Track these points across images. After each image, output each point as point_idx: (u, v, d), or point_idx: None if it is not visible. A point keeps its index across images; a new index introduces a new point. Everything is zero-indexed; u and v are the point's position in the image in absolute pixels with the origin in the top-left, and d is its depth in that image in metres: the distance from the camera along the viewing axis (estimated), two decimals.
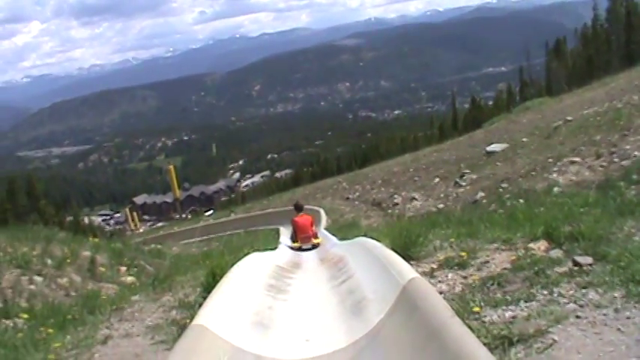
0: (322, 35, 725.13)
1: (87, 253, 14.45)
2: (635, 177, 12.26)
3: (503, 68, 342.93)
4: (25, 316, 8.72)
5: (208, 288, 6.88)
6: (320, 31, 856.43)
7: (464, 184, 26.00)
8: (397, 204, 29.03)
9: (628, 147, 16.30)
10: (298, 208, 18.41)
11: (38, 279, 11.72)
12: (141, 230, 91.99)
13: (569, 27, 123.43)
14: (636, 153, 15.23)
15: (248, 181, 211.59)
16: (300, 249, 15.60)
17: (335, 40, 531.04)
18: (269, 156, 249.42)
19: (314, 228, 17.25)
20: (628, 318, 4.36)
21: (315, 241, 16.21)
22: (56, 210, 68.81)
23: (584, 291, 5.01)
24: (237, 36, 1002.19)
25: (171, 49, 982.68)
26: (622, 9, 69.72)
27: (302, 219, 17.09)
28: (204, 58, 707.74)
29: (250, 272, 6.75)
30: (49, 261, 12.91)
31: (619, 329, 4.22)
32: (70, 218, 73.64)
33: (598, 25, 74.30)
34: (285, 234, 20.88)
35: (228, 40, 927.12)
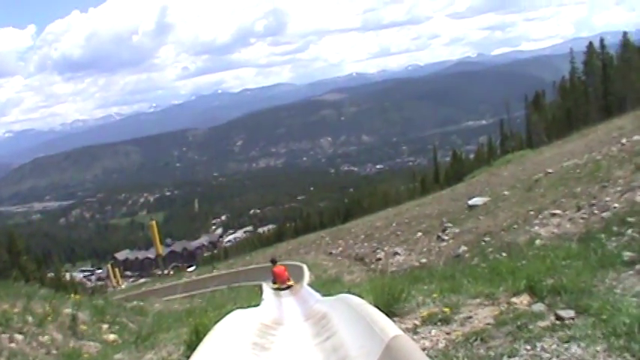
0: (304, 90, 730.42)
1: (68, 311, 14.31)
2: (615, 229, 12.32)
3: (483, 121, 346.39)
4: None
5: (192, 346, 6.85)
6: (302, 86, 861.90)
7: (446, 238, 26.01)
8: (380, 259, 28.98)
9: (608, 199, 16.41)
10: (273, 262, 26.79)
11: (19, 337, 11.58)
12: (123, 286, 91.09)
13: (547, 80, 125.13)
14: (616, 205, 15.33)
15: (231, 237, 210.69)
16: (279, 289, 22.34)
17: (317, 96, 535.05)
18: (252, 211, 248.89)
19: (287, 274, 24.33)
20: None
21: (289, 283, 23.43)
22: (37, 266, 68.23)
23: (566, 345, 5.04)
24: (220, 92, 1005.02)
25: (153, 104, 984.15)
26: (598, 62, 70.87)
27: (278, 269, 24.70)
28: (187, 113, 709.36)
29: (234, 330, 6.72)
30: (30, 318, 12.77)
31: None
32: (51, 274, 73.04)
33: (576, 78, 75.43)
34: (268, 290, 20.85)
35: (210, 96, 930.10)
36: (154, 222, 75.22)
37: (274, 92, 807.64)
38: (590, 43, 74.06)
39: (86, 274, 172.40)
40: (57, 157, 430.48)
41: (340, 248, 39.51)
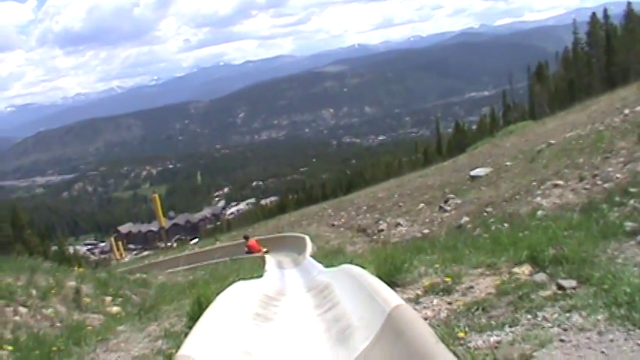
0: (306, 62, 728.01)
1: (72, 284, 14.30)
2: (617, 199, 12.28)
3: (486, 92, 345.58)
4: (10, 347, 8.64)
5: (194, 317, 6.85)
6: (304, 58, 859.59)
7: (448, 208, 26.00)
8: (382, 230, 28.98)
9: (610, 169, 16.36)
10: (246, 237, 33.57)
11: (23, 310, 11.60)
12: (126, 259, 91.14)
13: (550, 51, 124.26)
14: (618, 175, 15.28)
15: (233, 209, 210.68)
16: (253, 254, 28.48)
17: (319, 67, 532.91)
18: (254, 183, 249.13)
19: (258, 245, 31.56)
20: (611, 341, 4.39)
21: (263, 250, 30.23)
22: (41, 240, 68.33)
23: (567, 314, 5.04)
24: (221, 64, 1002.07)
25: (155, 77, 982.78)
26: (602, 32, 70.59)
27: (251, 242, 31.92)
28: (189, 86, 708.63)
29: (236, 301, 6.73)
30: (34, 291, 12.78)
31: (603, 352, 4.25)
32: (54, 248, 73.14)
33: (579, 49, 75.10)
34: (270, 261, 20.83)
35: (212, 68, 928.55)
36: (156, 195, 75.24)
37: (276, 64, 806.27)
38: (594, 14, 73.71)
39: (89, 247, 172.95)
40: (59, 130, 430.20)
41: (342, 219, 39.47)
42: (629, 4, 70.96)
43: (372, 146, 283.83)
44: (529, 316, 5.23)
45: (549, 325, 4.93)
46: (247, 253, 30.45)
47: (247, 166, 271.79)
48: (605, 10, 73.13)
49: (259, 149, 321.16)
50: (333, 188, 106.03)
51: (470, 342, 4.97)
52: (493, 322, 5.29)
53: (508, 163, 29.46)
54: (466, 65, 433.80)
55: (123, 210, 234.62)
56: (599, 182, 15.96)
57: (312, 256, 20.22)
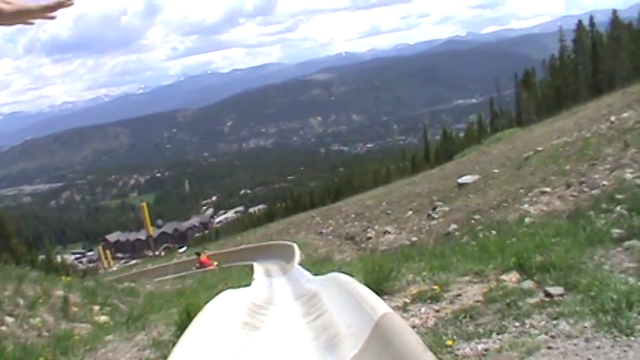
0: (294, 70, 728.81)
1: (60, 293, 14.29)
2: (604, 206, 12.35)
3: (473, 100, 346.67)
4: None
5: (182, 326, 6.85)
6: (291, 66, 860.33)
7: (436, 216, 26.10)
8: (370, 238, 29.06)
9: (597, 176, 16.46)
10: (198, 254, 38.80)
11: (10, 320, 11.57)
12: (114, 268, 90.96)
13: (536, 58, 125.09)
14: (605, 182, 15.38)
15: (221, 217, 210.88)
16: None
17: (306, 75, 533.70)
18: (242, 191, 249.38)
19: (210, 260, 36.31)
20: (598, 348, 4.40)
21: (215, 264, 35.26)
22: (28, 249, 68.20)
23: (555, 322, 5.06)
24: (209, 72, 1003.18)
25: (143, 85, 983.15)
26: (588, 40, 71.12)
27: (203, 258, 36.42)
28: (176, 94, 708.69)
29: (224, 310, 6.73)
30: (21, 301, 12.76)
31: (589, 359, 4.27)
32: (42, 257, 72.98)
33: (565, 56, 75.64)
34: (259, 270, 20.83)
35: (199, 77, 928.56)
36: (144, 203, 75.34)
37: (264, 72, 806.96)
38: (580, 22, 74.32)
39: (77, 256, 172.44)
40: (46, 139, 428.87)
41: (331, 227, 39.55)
42: (614, 11, 71.53)
43: (359, 154, 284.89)
44: (517, 324, 5.24)
45: (537, 332, 4.94)
46: (198, 268, 35.02)
47: (235, 175, 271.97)
48: (592, 18, 73.82)
49: (247, 157, 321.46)
50: (321, 196, 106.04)
51: (458, 350, 4.98)
52: (481, 330, 5.30)
53: (495, 171, 29.61)
54: (453, 73, 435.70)
55: (111, 219, 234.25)
56: (586, 189, 16.06)
57: (300, 264, 20.24)
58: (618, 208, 11.55)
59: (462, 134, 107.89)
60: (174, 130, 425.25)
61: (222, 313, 6.51)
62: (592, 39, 70.80)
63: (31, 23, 2.55)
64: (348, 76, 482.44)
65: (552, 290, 5.80)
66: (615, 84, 54.00)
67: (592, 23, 72.65)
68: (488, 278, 7.14)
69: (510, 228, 14.87)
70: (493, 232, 16.00)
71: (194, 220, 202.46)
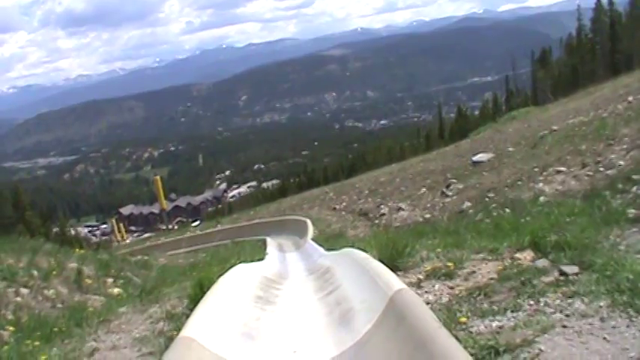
0: (309, 45, 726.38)
1: (73, 265, 14.32)
2: (620, 186, 12.29)
3: (489, 78, 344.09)
4: (12, 328, 8.65)
5: (196, 299, 6.85)
6: (307, 41, 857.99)
7: (450, 194, 26.00)
8: (384, 214, 28.97)
9: (613, 156, 16.35)
10: None
11: (24, 291, 11.61)
12: (127, 241, 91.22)
13: (553, 37, 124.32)
14: (621, 162, 15.28)
15: (235, 192, 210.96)
16: None
17: (322, 51, 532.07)
18: (256, 166, 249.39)
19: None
20: (614, 327, 4.38)
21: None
22: (42, 221, 68.38)
23: (570, 300, 5.04)
24: (224, 46, 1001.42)
25: (157, 59, 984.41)
26: (606, 19, 70.33)
27: None
28: (191, 68, 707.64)
29: (237, 283, 6.73)
30: (36, 273, 12.79)
31: (605, 338, 4.25)
32: (56, 229, 73.13)
33: (583, 35, 74.98)
34: (272, 244, 20.84)
35: (214, 51, 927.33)
36: (157, 177, 75.18)
37: (279, 47, 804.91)
38: (599, 0, 73.43)
39: (91, 229, 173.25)
40: (61, 112, 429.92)
41: (344, 203, 39.48)
42: None
43: (374, 130, 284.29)
44: (531, 302, 5.22)
45: (551, 311, 4.92)
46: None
47: (249, 149, 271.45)
48: None
49: (261, 132, 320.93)
50: (335, 172, 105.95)
51: (472, 327, 4.97)
52: (495, 308, 5.29)
53: (510, 149, 29.45)
54: (469, 50, 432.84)
55: (124, 192, 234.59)
56: (601, 169, 15.96)
57: (313, 239, 20.22)
58: (635, 188, 11.51)
59: (476, 112, 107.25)
60: (189, 105, 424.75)
61: (235, 286, 6.52)
62: (610, 18, 70.08)
63: None
64: (363, 52, 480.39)
65: (567, 269, 5.77)
66: (633, 64, 53.63)
67: (611, 2, 71.79)
68: (503, 256, 7.12)
69: (525, 207, 14.80)
70: (507, 210, 15.95)
71: (207, 195, 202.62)
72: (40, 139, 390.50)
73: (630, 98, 25.15)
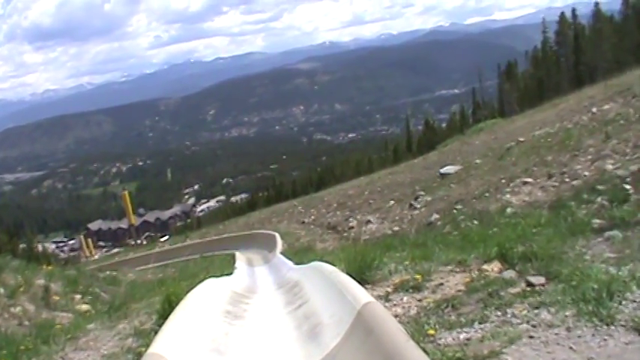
0: (277, 59, 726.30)
1: (41, 282, 14.20)
2: (585, 196, 12.43)
3: (456, 90, 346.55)
4: None
5: (164, 315, 6.83)
6: (275, 55, 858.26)
7: (418, 206, 26.08)
8: (353, 227, 28.99)
9: (578, 167, 16.53)
10: None
11: None
12: (96, 257, 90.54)
13: (519, 49, 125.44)
14: (586, 173, 15.45)
15: (203, 206, 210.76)
16: None
17: (290, 64, 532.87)
18: (224, 180, 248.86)
19: None
20: (579, 337, 4.43)
21: None
22: (9, 237, 67.81)
23: (536, 311, 5.09)
24: (192, 61, 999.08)
25: (125, 73, 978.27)
26: (570, 32, 71.34)
27: None
28: (159, 82, 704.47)
29: (206, 298, 6.71)
30: (2, 290, 12.68)
31: (571, 348, 4.29)
32: (23, 245, 72.51)
33: (548, 48, 75.95)
34: (240, 259, 20.78)
35: (182, 65, 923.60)
36: (126, 192, 74.85)
37: (247, 61, 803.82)
38: (562, 14, 74.68)
39: (59, 245, 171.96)
40: (28, 127, 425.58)
41: (313, 217, 39.50)
42: (596, 4, 71.94)
43: (342, 143, 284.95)
44: (498, 313, 5.27)
45: (518, 321, 4.97)
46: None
47: (217, 164, 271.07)
48: (574, 10, 74.16)
49: (229, 146, 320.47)
50: (304, 185, 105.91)
51: (440, 339, 5.00)
52: (463, 319, 5.32)
53: (478, 161, 29.66)
54: (436, 63, 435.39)
55: (93, 207, 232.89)
56: (567, 180, 16.11)
57: (282, 253, 20.20)
58: (599, 198, 11.63)
59: (444, 124, 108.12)
60: (157, 119, 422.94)
61: (204, 301, 6.50)
62: (574, 31, 71.12)
63: None
64: (331, 66, 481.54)
65: (534, 280, 5.84)
66: (597, 76, 54.20)
67: (574, 15, 73.01)
68: (471, 268, 7.17)
69: (492, 218, 14.93)
70: (475, 222, 16.05)
71: (176, 209, 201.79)
72: (7, 154, 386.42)
73: (594, 109, 25.49)
